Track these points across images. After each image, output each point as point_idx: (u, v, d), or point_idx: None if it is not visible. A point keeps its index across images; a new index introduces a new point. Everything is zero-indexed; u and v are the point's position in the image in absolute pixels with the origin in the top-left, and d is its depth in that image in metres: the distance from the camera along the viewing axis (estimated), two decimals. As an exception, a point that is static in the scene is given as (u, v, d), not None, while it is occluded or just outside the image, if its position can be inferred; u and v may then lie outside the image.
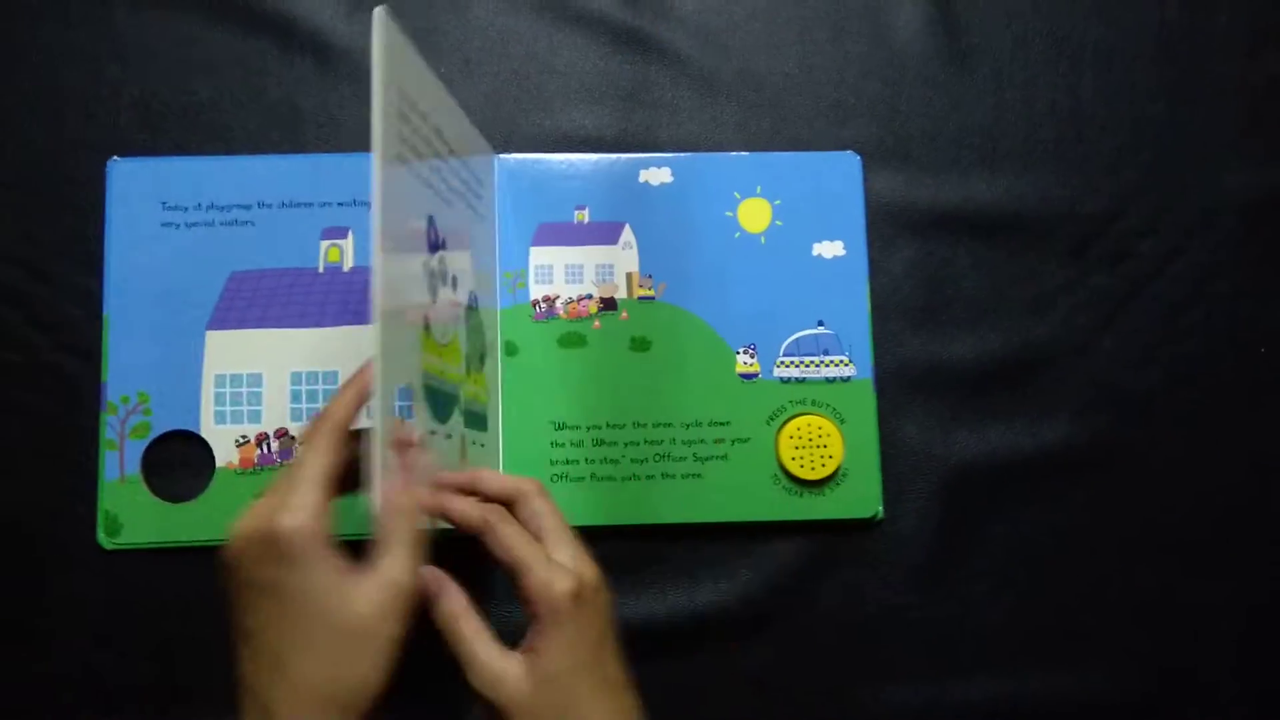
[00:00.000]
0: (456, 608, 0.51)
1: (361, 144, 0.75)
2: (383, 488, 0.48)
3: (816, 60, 0.79)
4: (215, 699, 0.69)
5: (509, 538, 0.52)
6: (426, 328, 0.57)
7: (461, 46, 0.77)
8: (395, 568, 0.48)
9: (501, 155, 0.75)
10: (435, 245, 0.59)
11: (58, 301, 0.71)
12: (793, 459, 0.72)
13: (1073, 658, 0.74)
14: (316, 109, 0.75)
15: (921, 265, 0.77)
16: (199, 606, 0.70)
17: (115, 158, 0.72)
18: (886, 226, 0.77)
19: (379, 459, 0.48)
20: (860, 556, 0.74)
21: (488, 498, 0.55)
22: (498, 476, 0.56)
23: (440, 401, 0.59)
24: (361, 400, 0.52)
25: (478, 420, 0.67)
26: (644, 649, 0.71)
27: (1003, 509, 0.75)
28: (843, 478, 0.72)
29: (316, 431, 0.50)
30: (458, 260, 0.64)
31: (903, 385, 0.75)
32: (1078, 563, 0.75)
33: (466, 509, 0.53)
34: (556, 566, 0.51)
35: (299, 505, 0.47)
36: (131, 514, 0.69)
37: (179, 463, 0.70)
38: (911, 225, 0.77)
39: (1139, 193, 0.78)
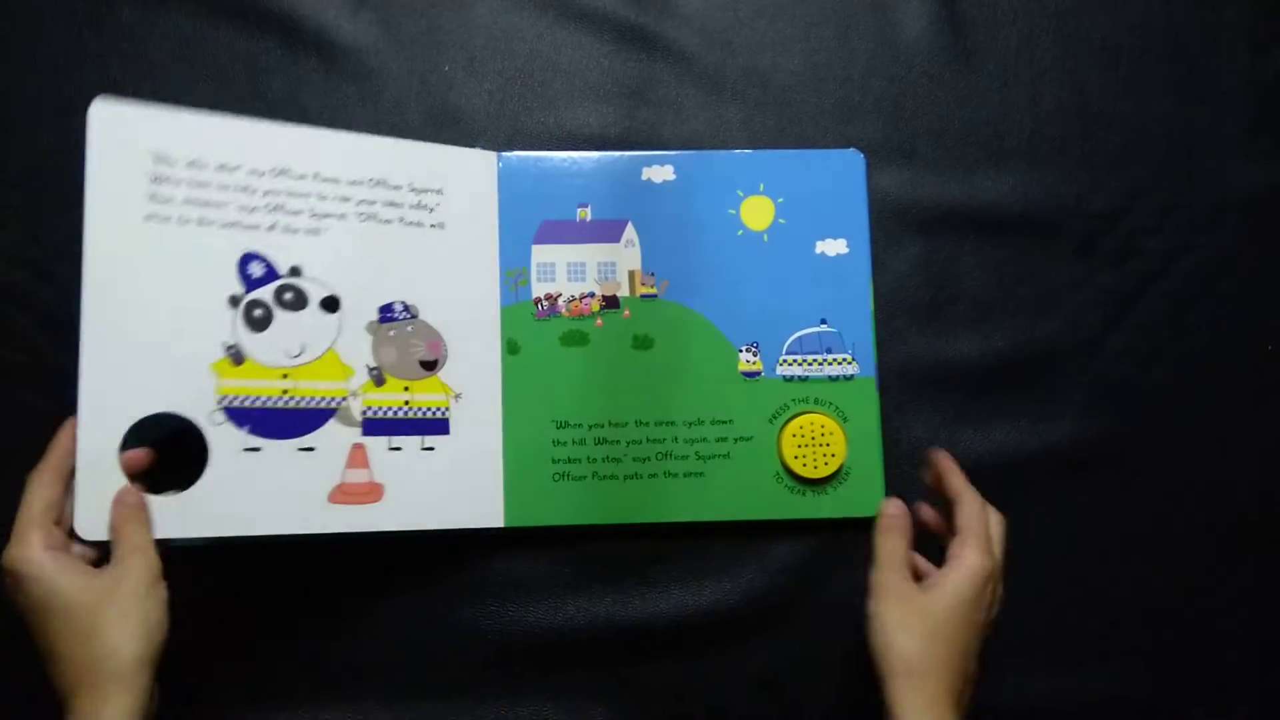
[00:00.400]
0: (894, 529, 0.64)
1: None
2: (112, 506, 0.60)
3: (822, 58, 0.79)
4: (215, 696, 0.70)
5: (970, 514, 0.64)
6: (235, 356, 0.65)
7: (465, 45, 0.77)
8: (131, 561, 0.58)
9: (504, 153, 0.75)
10: (266, 278, 0.66)
11: (63, 302, 0.71)
12: (795, 457, 0.71)
13: (1078, 657, 0.74)
14: (320, 107, 0.76)
15: (927, 263, 0.77)
16: (200, 603, 0.70)
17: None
18: (892, 224, 0.77)
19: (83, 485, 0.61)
20: (864, 555, 0.73)
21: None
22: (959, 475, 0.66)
23: (265, 417, 0.65)
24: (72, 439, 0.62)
25: (419, 426, 0.69)
26: (647, 648, 0.72)
27: (1008, 508, 0.74)
28: (845, 476, 0.72)
29: (37, 471, 0.60)
30: (339, 279, 0.68)
31: (908, 383, 0.75)
32: (1083, 562, 0.75)
33: (961, 484, 0.66)
34: (989, 549, 0.62)
35: (22, 541, 0.57)
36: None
37: (167, 449, 0.70)
38: (917, 223, 0.77)
39: (1146, 190, 0.78)
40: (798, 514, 0.72)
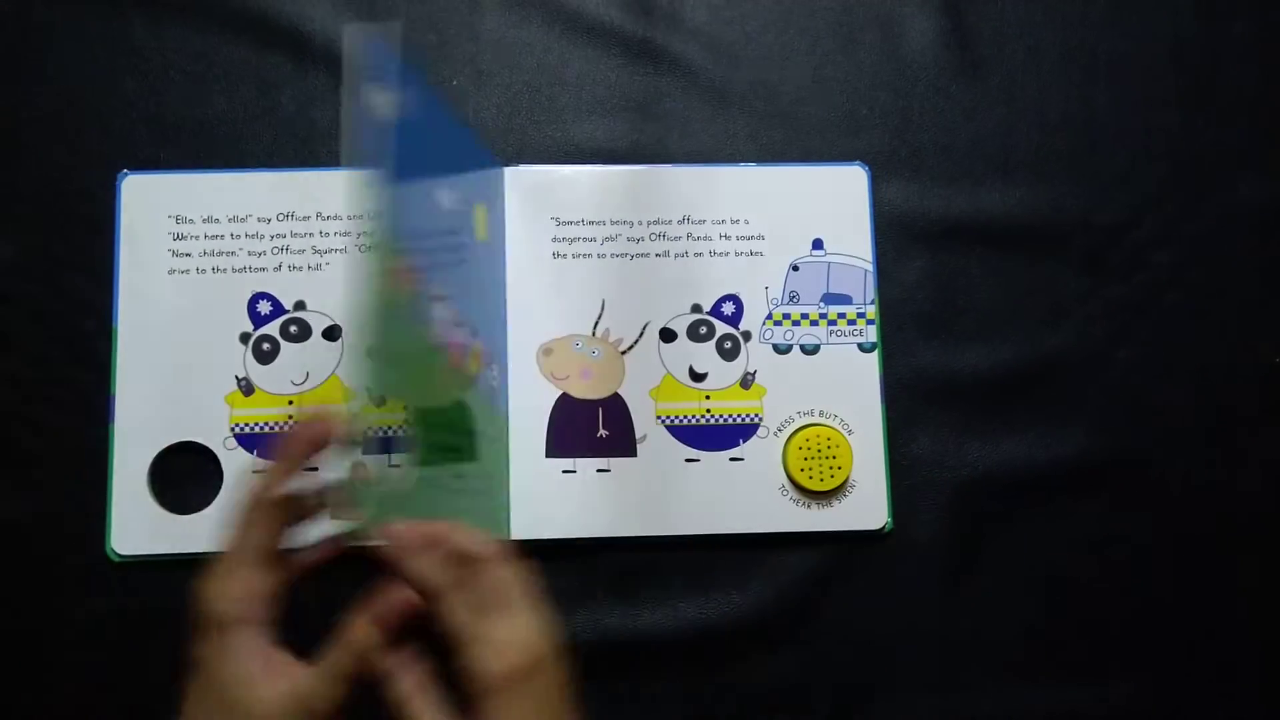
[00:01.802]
0: (407, 689, 0.50)
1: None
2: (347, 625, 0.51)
3: (828, 71, 0.79)
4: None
5: (453, 610, 0.50)
6: (245, 387, 0.72)
7: (473, 59, 0.78)
8: (311, 682, 0.49)
9: (510, 168, 0.75)
10: (274, 315, 0.73)
11: (71, 315, 0.72)
12: (801, 470, 0.71)
13: (1087, 671, 0.73)
14: (331, 123, 0.76)
15: (934, 275, 0.77)
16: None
17: (126, 171, 0.73)
18: (899, 237, 0.77)
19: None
20: (872, 568, 0.73)
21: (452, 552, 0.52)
22: (465, 535, 0.52)
23: (271, 441, 0.71)
24: (290, 470, 0.52)
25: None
26: (653, 662, 0.71)
27: (1016, 521, 0.75)
28: (851, 489, 0.72)
29: (248, 506, 0.51)
30: (339, 309, 0.73)
31: (915, 396, 0.75)
32: (1093, 576, 0.74)
33: (425, 571, 0.50)
34: (493, 643, 0.48)
35: (224, 593, 0.49)
36: (141, 525, 0.69)
37: (187, 473, 0.71)
38: (924, 235, 0.77)
39: (1153, 203, 0.78)
40: (803, 527, 0.72)
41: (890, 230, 0.77)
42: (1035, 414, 0.76)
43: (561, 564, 0.72)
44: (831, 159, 0.77)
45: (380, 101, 0.50)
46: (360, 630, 0.50)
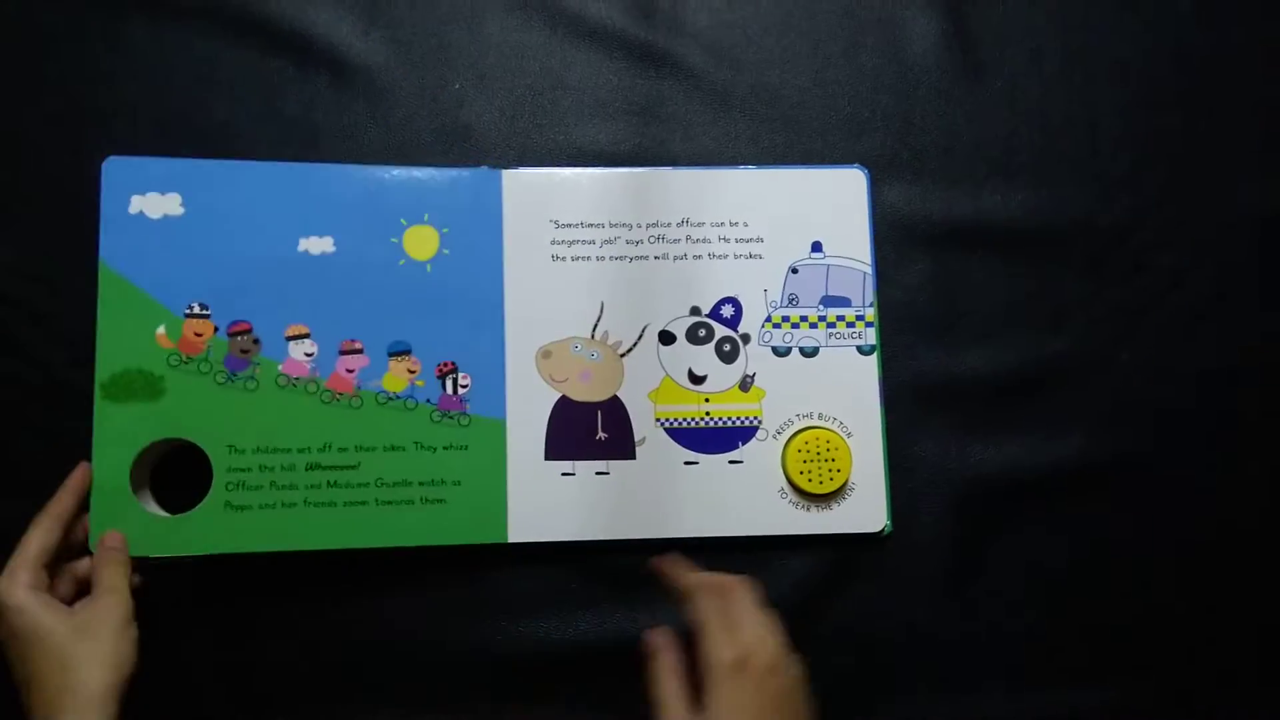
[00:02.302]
0: (664, 668, 0.60)
1: (376, 160, 0.76)
2: (97, 548, 0.67)
3: (830, 74, 0.79)
4: (220, 713, 0.70)
5: (703, 608, 0.60)
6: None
7: (476, 62, 0.78)
8: (107, 598, 0.64)
9: (508, 170, 0.75)
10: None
11: (72, 318, 0.72)
12: (801, 473, 0.71)
13: (1088, 674, 0.73)
14: (333, 125, 0.76)
15: (936, 278, 0.77)
16: (193, 617, 0.71)
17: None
18: (901, 240, 0.77)
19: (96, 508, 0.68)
20: (873, 571, 0.73)
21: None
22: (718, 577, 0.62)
23: None
24: (75, 500, 0.68)
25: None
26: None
27: (1018, 524, 0.75)
28: (850, 492, 0.72)
29: (41, 515, 0.66)
30: None
31: (918, 399, 0.75)
32: (1095, 578, 0.74)
33: (690, 579, 0.63)
34: (730, 637, 0.58)
35: (12, 578, 0.62)
36: (127, 525, 0.68)
37: (175, 474, 0.71)
38: (926, 238, 0.77)
39: (1156, 206, 0.78)
40: (803, 530, 0.72)
41: (892, 233, 0.77)
42: (1036, 417, 0.75)
43: (562, 567, 0.73)
44: (833, 162, 0.77)
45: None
46: (110, 539, 0.67)
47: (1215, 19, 0.80)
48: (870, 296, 0.75)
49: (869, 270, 0.75)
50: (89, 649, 0.61)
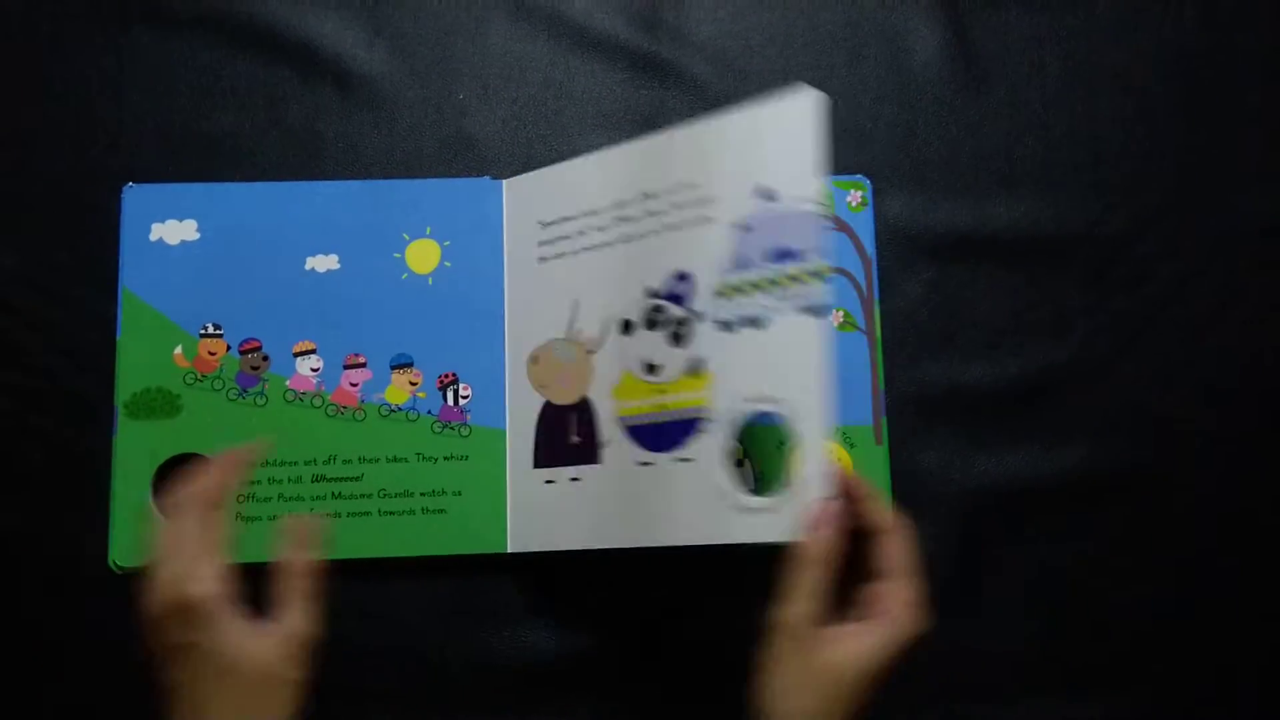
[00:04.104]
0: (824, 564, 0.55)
1: (380, 170, 0.76)
2: (282, 554, 0.57)
3: (833, 85, 0.79)
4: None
5: (904, 547, 0.56)
6: None
7: (479, 73, 0.78)
8: (293, 621, 0.54)
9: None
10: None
11: (77, 327, 0.73)
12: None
13: (1092, 685, 0.73)
14: (337, 136, 0.76)
15: (939, 289, 0.77)
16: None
17: (130, 184, 0.74)
18: (904, 250, 0.77)
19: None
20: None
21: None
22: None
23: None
24: (227, 478, 0.57)
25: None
26: (662, 671, 0.72)
27: (1022, 534, 0.75)
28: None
29: (198, 506, 0.55)
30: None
31: (920, 409, 0.75)
32: (1098, 589, 0.74)
33: (892, 517, 0.57)
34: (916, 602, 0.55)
35: (205, 575, 0.52)
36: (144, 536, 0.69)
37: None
38: (929, 249, 0.77)
39: (1158, 216, 0.78)
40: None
41: (894, 243, 0.77)
42: (1039, 427, 0.76)
43: (552, 576, 0.73)
44: (836, 172, 0.77)
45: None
46: (298, 563, 0.56)
47: (1217, 28, 0.80)
48: (821, 243, 0.60)
49: (819, 210, 0.60)
50: (276, 689, 0.53)
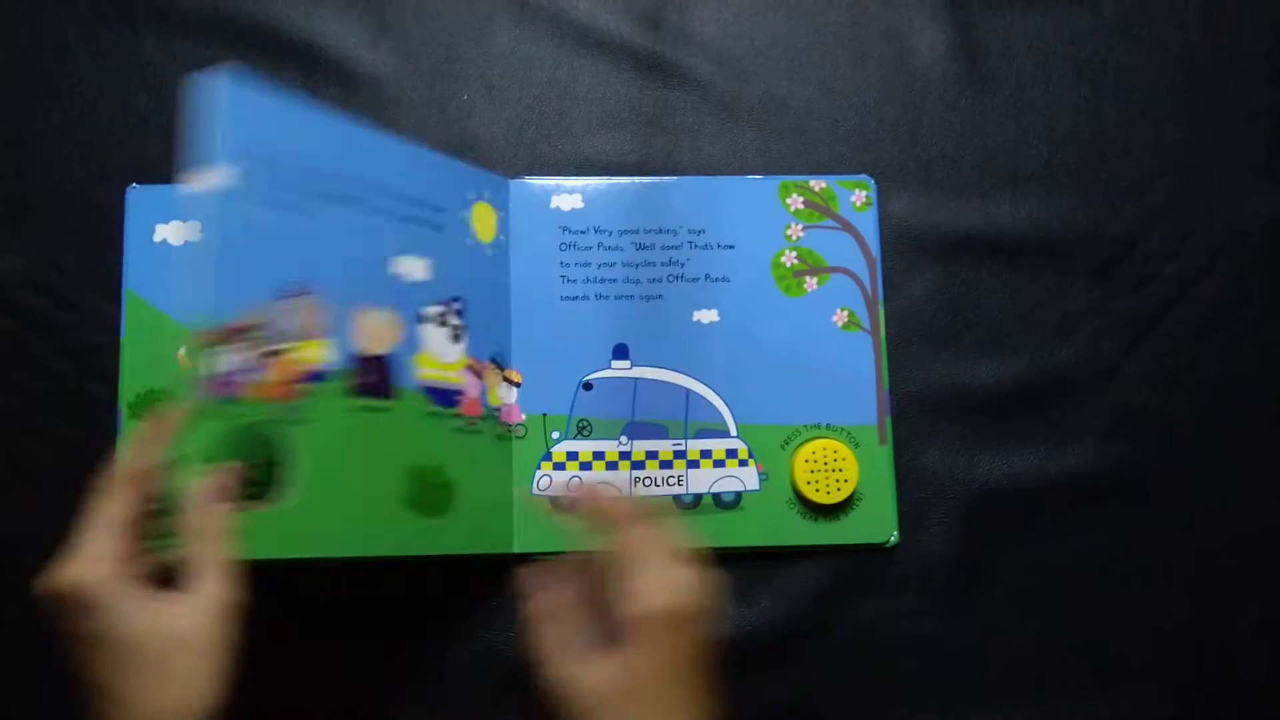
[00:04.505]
0: (543, 614, 0.54)
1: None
2: (190, 517, 0.52)
3: (837, 85, 0.79)
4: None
5: (637, 541, 0.52)
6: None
7: (484, 73, 0.78)
8: (209, 586, 0.50)
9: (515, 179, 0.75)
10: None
11: (84, 329, 0.73)
12: (808, 483, 0.71)
13: (1097, 684, 0.73)
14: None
15: (943, 288, 0.77)
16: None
17: (134, 185, 0.74)
18: (908, 250, 0.77)
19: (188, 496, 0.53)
20: (882, 582, 0.73)
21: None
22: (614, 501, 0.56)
23: None
24: (150, 448, 0.54)
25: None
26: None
27: (1026, 534, 0.75)
28: (858, 502, 0.72)
29: (107, 480, 0.52)
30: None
31: (925, 409, 0.75)
32: (1103, 588, 0.74)
33: (622, 506, 0.54)
34: (664, 581, 0.51)
35: (92, 555, 0.49)
36: None
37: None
38: (933, 248, 0.77)
39: (1163, 216, 0.78)
40: (810, 540, 0.72)
41: (899, 243, 0.77)
42: (1044, 427, 0.75)
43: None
44: (840, 172, 0.77)
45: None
46: (210, 523, 0.52)
47: (1221, 29, 0.80)
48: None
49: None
50: (192, 655, 0.49)
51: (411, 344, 0.66)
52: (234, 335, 0.57)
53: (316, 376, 0.60)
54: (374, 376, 0.64)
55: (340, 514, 0.61)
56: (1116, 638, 0.73)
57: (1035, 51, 0.80)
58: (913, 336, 0.76)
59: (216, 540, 0.52)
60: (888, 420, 0.74)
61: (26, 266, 0.74)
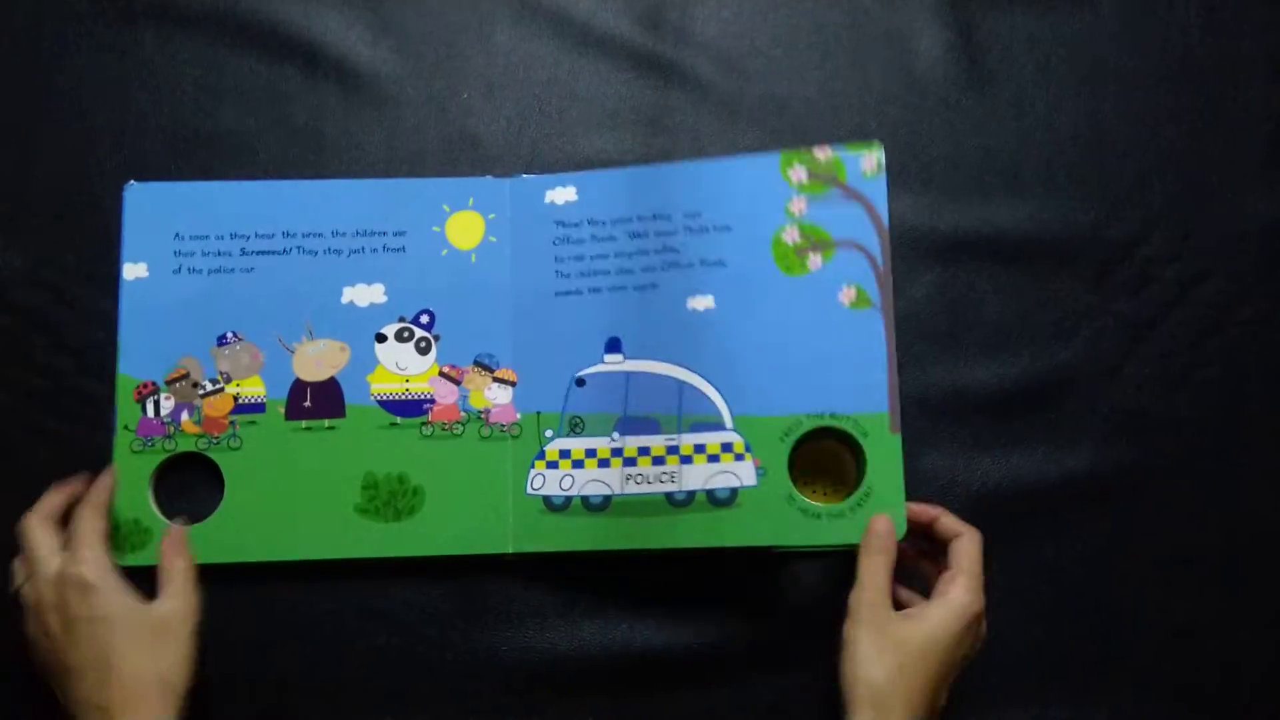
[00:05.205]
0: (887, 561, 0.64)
1: (383, 170, 0.76)
2: (161, 541, 0.66)
3: (838, 85, 0.79)
4: (218, 713, 0.70)
5: (969, 553, 0.64)
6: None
7: (484, 72, 0.78)
8: (175, 589, 0.63)
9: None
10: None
11: (81, 326, 0.73)
12: (808, 484, 0.71)
13: (1099, 686, 0.73)
14: (340, 134, 0.76)
15: (944, 290, 0.77)
16: (211, 622, 0.70)
17: (131, 181, 0.73)
18: (909, 251, 0.77)
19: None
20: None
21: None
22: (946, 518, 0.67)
23: None
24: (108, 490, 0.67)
25: None
26: (664, 674, 0.71)
27: (1027, 536, 0.74)
28: (861, 502, 0.71)
29: (90, 502, 0.65)
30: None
31: (925, 410, 0.75)
32: (1103, 590, 0.74)
33: (957, 522, 0.66)
34: (979, 589, 0.63)
35: (92, 556, 0.62)
36: (150, 534, 0.70)
37: (191, 483, 0.71)
38: (934, 250, 0.77)
39: (1163, 217, 0.78)
40: (814, 540, 0.69)
41: (899, 244, 0.77)
42: (1044, 428, 0.75)
43: (570, 577, 0.73)
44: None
45: None
46: (174, 535, 0.67)
47: (1222, 30, 0.80)
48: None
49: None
50: (172, 642, 0.61)
51: (364, 364, 0.72)
52: (169, 384, 0.71)
53: (253, 408, 0.71)
54: (318, 400, 0.72)
55: (285, 523, 0.70)
56: (1116, 638, 0.73)
57: (1035, 52, 0.80)
58: (913, 338, 0.76)
59: (178, 557, 0.65)
60: (899, 406, 0.69)
61: (24, 262, 0.74)
